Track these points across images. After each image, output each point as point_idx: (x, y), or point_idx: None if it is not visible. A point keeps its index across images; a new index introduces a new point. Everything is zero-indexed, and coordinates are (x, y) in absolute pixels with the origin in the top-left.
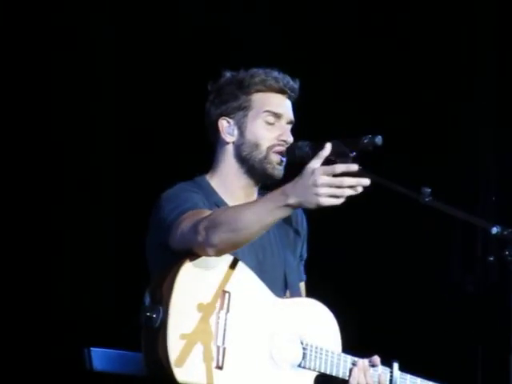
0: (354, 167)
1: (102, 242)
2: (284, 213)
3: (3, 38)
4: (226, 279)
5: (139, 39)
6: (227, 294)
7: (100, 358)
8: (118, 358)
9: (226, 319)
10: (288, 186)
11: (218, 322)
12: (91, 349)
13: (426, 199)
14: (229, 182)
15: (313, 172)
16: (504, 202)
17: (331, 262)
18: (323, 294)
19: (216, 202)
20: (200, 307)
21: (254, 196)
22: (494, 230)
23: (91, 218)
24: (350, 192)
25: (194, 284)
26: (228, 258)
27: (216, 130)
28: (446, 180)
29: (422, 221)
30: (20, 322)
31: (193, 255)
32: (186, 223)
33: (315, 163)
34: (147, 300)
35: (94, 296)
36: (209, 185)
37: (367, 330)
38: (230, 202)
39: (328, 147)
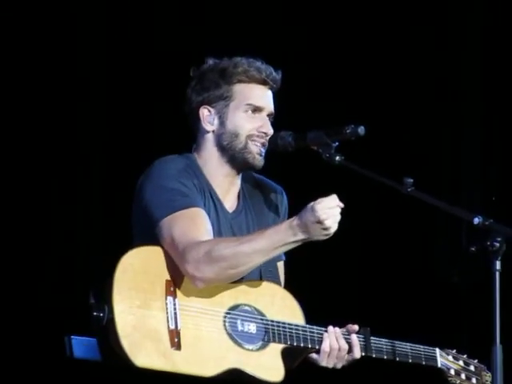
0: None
1: (86, 226)
2: (290, 247)
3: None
4: (168, 268)
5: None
6: (171, 282)
7: (80, 346)
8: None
9: (174, 304)
10: (294, 222)
11: (166, 308)
12: (72, 337)
13: (409, 189)
14: (213, 169)
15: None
16: (487, 191)
17: (315, 253)
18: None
19: (204, 188)
20: (145, 298)
21: (238, 183)
22: (476, 221)
23: (78, 206)
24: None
25: (135, 277)
26: None
27: (197, 118)
28: (428, 170)
29: (406, 212)
30: (2, 310)
31: (133, 248)
32: (177, 233)
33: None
34: (91, 299)
35: (75, 286)
36: (198, 166)
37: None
38: (216, 188)
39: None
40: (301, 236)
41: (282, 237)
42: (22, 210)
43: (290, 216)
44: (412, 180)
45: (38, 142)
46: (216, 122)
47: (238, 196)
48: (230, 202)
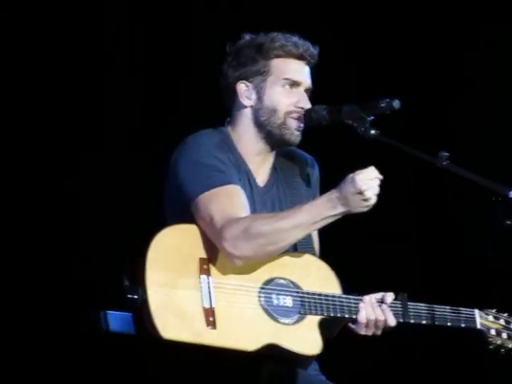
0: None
1: (119, 198)
2: (329, 221)
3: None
4: (202, 246)
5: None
6: (205, 260)
7: (116, 320)
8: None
9: (208, 282)
10: (334, 195)
11: (200, 287)
12: (107, 311)
13: (444, 163)
14: (247, 144)
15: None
16: None
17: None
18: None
19: (240, 163)
20: (179, 277)
21: (271, 158)
22: (511, 194)
23: (107, 186)
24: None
25: (168, 257)
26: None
27: (233, 93)
28: (462, 144)
29: (441, 186)
30: (37, 285)
31: (164, 228)
32: (215, 211)
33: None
34: (126, 282)
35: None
36: (231, 140)
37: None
38: (249, 163)
39: None
40: (341, 209)
41: (321, 210)
42: (53, 186)
43: (321, 186)
44: (447, 154)
45: (64, 109)
46: (254, 96)
47: (270, 170)
48: (261, 177)
